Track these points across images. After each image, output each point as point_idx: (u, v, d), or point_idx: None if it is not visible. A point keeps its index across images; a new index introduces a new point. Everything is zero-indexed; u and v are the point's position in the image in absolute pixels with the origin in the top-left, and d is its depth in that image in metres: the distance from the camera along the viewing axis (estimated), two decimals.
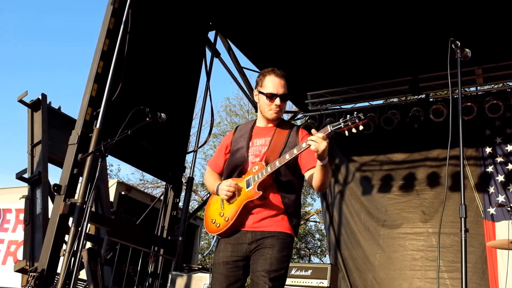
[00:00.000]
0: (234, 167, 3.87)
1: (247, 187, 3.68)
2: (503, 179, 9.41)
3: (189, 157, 10.00)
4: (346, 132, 3.40)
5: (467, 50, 4.23)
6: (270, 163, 3.62)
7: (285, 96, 3.85)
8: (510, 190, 9.31)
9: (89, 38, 42.74)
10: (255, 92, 3.96)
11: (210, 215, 3.85)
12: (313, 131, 3.42)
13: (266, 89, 3.83)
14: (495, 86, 9.78)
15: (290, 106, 16.20)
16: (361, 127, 3.32)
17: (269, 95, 3.81)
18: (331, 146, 11.33)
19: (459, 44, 4.20)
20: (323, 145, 3.30)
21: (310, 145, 3.34)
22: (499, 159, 9.57)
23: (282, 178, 3.72)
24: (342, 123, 3.34)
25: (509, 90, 9.35)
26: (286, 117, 12.96)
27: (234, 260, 3.64)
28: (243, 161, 3.82)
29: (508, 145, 9.58)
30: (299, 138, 3.78)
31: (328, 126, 3.37)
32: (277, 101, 3.80)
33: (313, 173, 3.60)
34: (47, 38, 42.59)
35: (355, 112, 3.35)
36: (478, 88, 9.80)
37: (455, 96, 8.27)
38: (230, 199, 3.72)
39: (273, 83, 3.83)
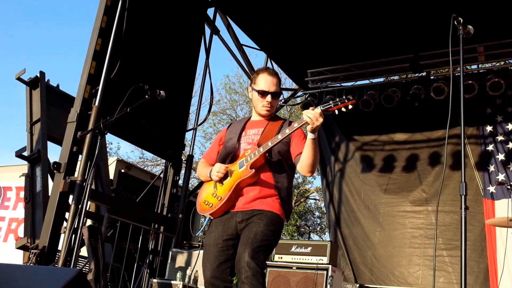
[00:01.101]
0: (226, 154, 3.96)
1: (240, 168, 3.76)
2: (503, 158, 9.40)
3: (188, 135, 10.00)
4: (336, 111, 3.54)
5: (470, 27, 4.19)
6: (265, 143, 3.72)
7: (276, 93, 3.99)
8: (511, 169, 9.31)
9: (86, 18, 42.43)
10: (249, 89, 4.12)
11: (203, 198, 3.90)
12: (304, 112, 3.55)
13: (259, 86, 3.98)
14: (497, 64, 9.74)
15: (290, 83, 16.19)
16: (350, 106, 3.48)
17: (261, 92, 3.96)
18: (331, 124, 11.36)
19: (461, 20, 4.16)
20: (318, 122, 3.46)
21: (306, 121, 3.49)
22: (500, 138, 9.55)
23: (274, 162, 3.80)
24: (332, 103, 3.51)
25: (511, 68, 9.31)
26: (286, 94, 12.94)
27: (224, 239, 3.67)
28: (235, 148, 3.92)
29: (509, 124, 9.54)
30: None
31: (319, 106, 3.52)
32: (268, 98, 3.95)
33: (302, 156, 3.68)
34: (44, 18, 42.36)
35: (344, 95, 3.57)
36: (480, 66, 9.74)
37: (457, 74, 8.29)
38: (222, 180, 3.79)
39: (265, 81, 3.98)
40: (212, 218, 3.83)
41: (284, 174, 3.82)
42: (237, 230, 3.68)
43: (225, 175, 3.78)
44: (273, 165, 3.79)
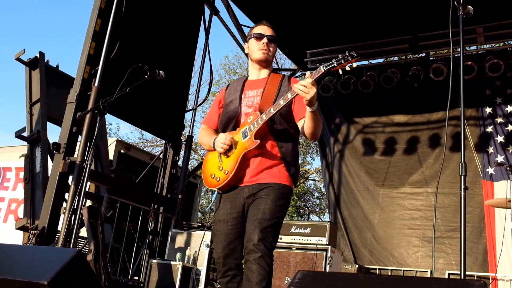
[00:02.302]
0: (228, 120, 3.87)
1: (244, 138, 3.67)
2: (502, 140, 9.40)
3: (188, 116, 9.99)
4: (340, 71, 3.45)
5: (470, 7, 4.17)
6: (264, 112, 3.63)
7: (272, 38, 3.91)
8: (510, 151, 9.31)
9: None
10: (245, 45, 4.06)
11: (209, 170, 3.82)
12: (307, 73, 3.43)
13: (254, 32, 3.94)
14: (496, 45, 9.72)
15: (289, 64, 16.14)
16: (354, 64, 3.38)
17: (257, 35, 3.90)
18: (331, 105, 11.34)
19: (461, 1, 4.14)
20: (312, 91, 3.34)
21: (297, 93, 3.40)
22: (499, 120, 9.54)
23: (277, 127, 3.72)
24: (335, 62, 3.37)
25: (510, 49, 9.29)
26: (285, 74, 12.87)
27: (233, 217, 3.63)
28: (237, 112, 3.82)
29: (508, 106, 9.53)
30: (291, 86, 3.67)
31: (321, 66, 3.40)
32: (265, 39, 3.87)
33: (305, 125, 3.60)
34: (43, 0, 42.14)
35: (347, 51, 3.38)
36: (479, 47, 9.72)
37: (456, 55, 8.27)
38: (227, 152, 3.70)
39: (260, 27, 3.94)
40: (220, 192, 3.78)
41: (287, 136, 3.75)
42: (245, 206, 3.63)
43: (230, 146, 3.70)
44: (276, 130, 3.71)
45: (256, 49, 3.88)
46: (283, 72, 12.36)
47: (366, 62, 10.70)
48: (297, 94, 3.44)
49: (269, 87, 3.82)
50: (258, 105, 3.74)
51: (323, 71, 3.37)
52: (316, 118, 3.50)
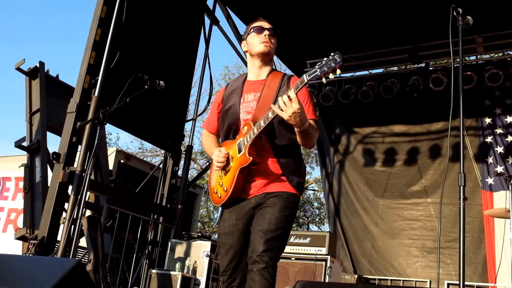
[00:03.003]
0: (228, 127, 3.70)
1: (239, 153, 3.52)
2: (502, 151, 9.42)
3: (188, 126, 10.01)
4: (324, 80, 3.22)
5: (469, 17, 4.19)
6: (256, 123, 3.44)
7: (273, 30, 3.74)
8: (510, 162, 9.32)
9: (86, 8, 42.32)
10: (243, 43, 3.86)
11: (213, 186, 3.71)
12: (296, 83, 3.27)
13: (253, 26, 3.77)
14: (495, 55, 9.74)
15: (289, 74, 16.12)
16: (338, 71, 3.15)
17: (257, 28, 3.72)
18: (331, 115, 11.36)
19: (461, 11, 4.16)
20: (292, 108, 3.19)
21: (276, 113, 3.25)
22: (499, 131, 9.55)
23: (275, 137, 3.55)
24: (318, 70, 3.17)
25: (510, 59, 9.31)
26: None
27: (239, 228, 3.53)
28: (236, 119, 3.65)
29: (508, 117, 9.55)
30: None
31: (304, 75, 3.20)
32: (266, 32, 3.69)
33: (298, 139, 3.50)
34: (44, 8, 42.25)
35: (331, 55, 3.17)
36: (478, 57, 9.75)
37: (455, 65, 8.30)
38: (225, 166, 3.58)
39: (259, 22, 3.76)
40: (224, 208, 3.66)
41: (287, 146, 3.55)
42: (252, 216, 3.51)
43: (228, 160, 3.57)
44: (274, 140, 3.54)
45: (257, 42, 3.69)
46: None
47: (366, 72, 10.71)
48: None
49: (267, 90, 3.63)
50: (252, 115, 3.56)
51: (306, 80, 3.19)
52: (305, 135, 3.40)
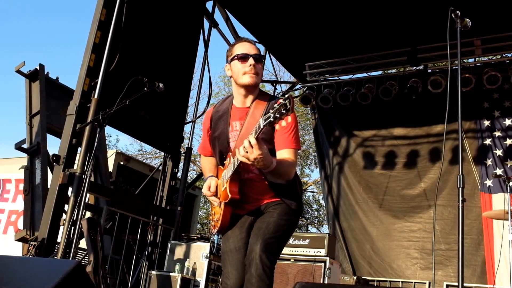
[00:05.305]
0: (220, 154, 3.61)
1: (222, 187, 3.46)
2: (501, 154, 9.43)
3: (187, 128, 10.02)
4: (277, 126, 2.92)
5: (467, 20, 4.19)
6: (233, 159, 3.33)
7: (258, 57, 3.47)
8: (508, 165, 9.33)
9: (86, 11, 42.35)
10: (227, 67, 3.59)
11: (212, 211, 3.69)
12: (255, 127, 3.06)
13: (237, 52, 3.48)
14: (494, 58, 9.75)
15: (288, 76, 16.17)
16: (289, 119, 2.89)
17: (241, 56, 3.43)
18: (331, 118, 11.38)
19: (459, 13, 4.17)
20: (252, 156, 3.04)
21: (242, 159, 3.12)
22: (498, 134, 9.57)
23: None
24: (272, 116, 2.87)
25: (508, 61, 9.33)
26: (284, 87, 12.94)
27: (244, 242, 3.45)
28: (226, 148, 3.54)
29: (506, 119, 9.56)
30: None
31: (261, 119, 2.96)
32: (251, 60, 3.41)
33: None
34: (44, 11, 42.26)
35: (281, 100, 2.88)
36: (477, 59, 9.76)
37: (454, 67, 8.33)
38: (216, 195, 3.53)
39: (243, 46, 3.50)
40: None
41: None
42: (254, 222, 3.49)
43: (217, 191, 3.53)
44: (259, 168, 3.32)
45: (241, 73, 3.43)
46: (282, 86, 12.44)
47: (364, 75, 10.74)
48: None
49: (250, 120, 3.41)
50: (233, 147, 3.43)
51: (262, 126, 2.93)
52: (274, 174, 3.29)
